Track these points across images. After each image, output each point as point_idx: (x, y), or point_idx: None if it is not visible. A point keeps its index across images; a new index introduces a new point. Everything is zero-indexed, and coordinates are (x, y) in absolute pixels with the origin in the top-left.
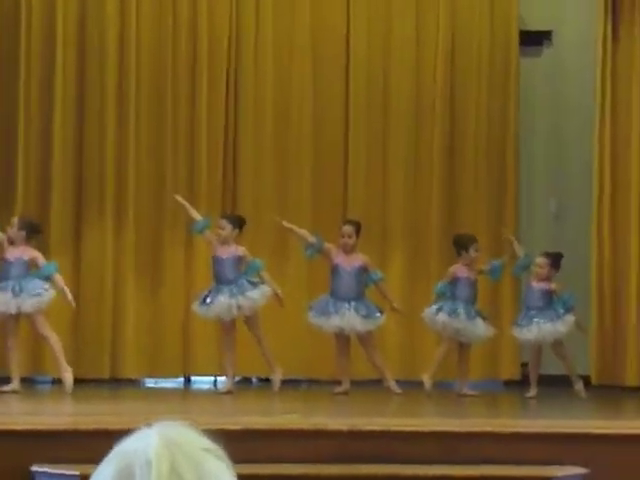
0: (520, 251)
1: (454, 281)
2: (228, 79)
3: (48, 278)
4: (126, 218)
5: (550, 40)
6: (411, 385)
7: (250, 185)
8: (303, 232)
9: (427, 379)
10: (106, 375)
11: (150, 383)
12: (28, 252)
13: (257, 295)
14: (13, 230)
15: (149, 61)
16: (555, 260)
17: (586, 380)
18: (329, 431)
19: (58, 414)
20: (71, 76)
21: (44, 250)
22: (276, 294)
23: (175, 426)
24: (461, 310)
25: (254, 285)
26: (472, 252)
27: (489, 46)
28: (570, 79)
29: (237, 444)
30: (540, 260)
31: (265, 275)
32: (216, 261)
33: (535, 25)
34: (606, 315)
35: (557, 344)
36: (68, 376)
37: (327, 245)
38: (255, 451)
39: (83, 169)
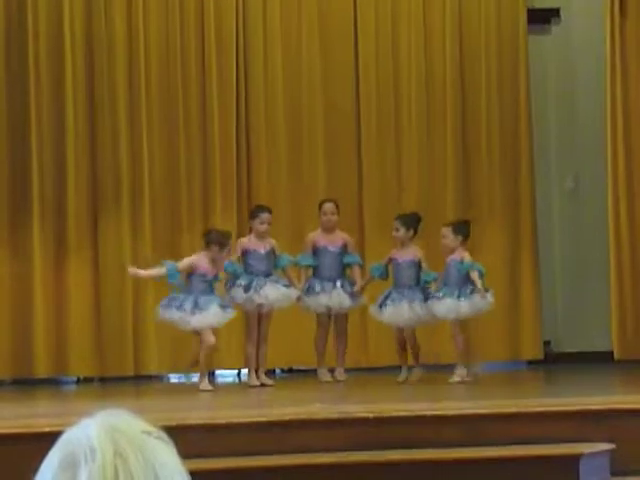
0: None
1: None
2: (238, 70)
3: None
4: (142, 213)
5: (558, 17)
6: (433, 369)
7: (264, 173)
8: (299, 286)
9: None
10: (130, 372)
11: (174, 378)
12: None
13: None
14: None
15: (158, 54)
16: (457, 227)
17: (609, 356)
18: (355, 419)
19: (83, 414)
20: (81, 75)
21: (62, 249)
22: None
23: (114, 414)
24: (404, 304)
25: None
26: (394, 231)
27: (497, 25)
28: (580, 56)
29: (264, 436)
30: (442, 229)
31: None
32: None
33: (542, 3)
34: (626, 290)
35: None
36: (203, 389)
37: (307, 239)
38: (282, 442)
39: (97, 167)
